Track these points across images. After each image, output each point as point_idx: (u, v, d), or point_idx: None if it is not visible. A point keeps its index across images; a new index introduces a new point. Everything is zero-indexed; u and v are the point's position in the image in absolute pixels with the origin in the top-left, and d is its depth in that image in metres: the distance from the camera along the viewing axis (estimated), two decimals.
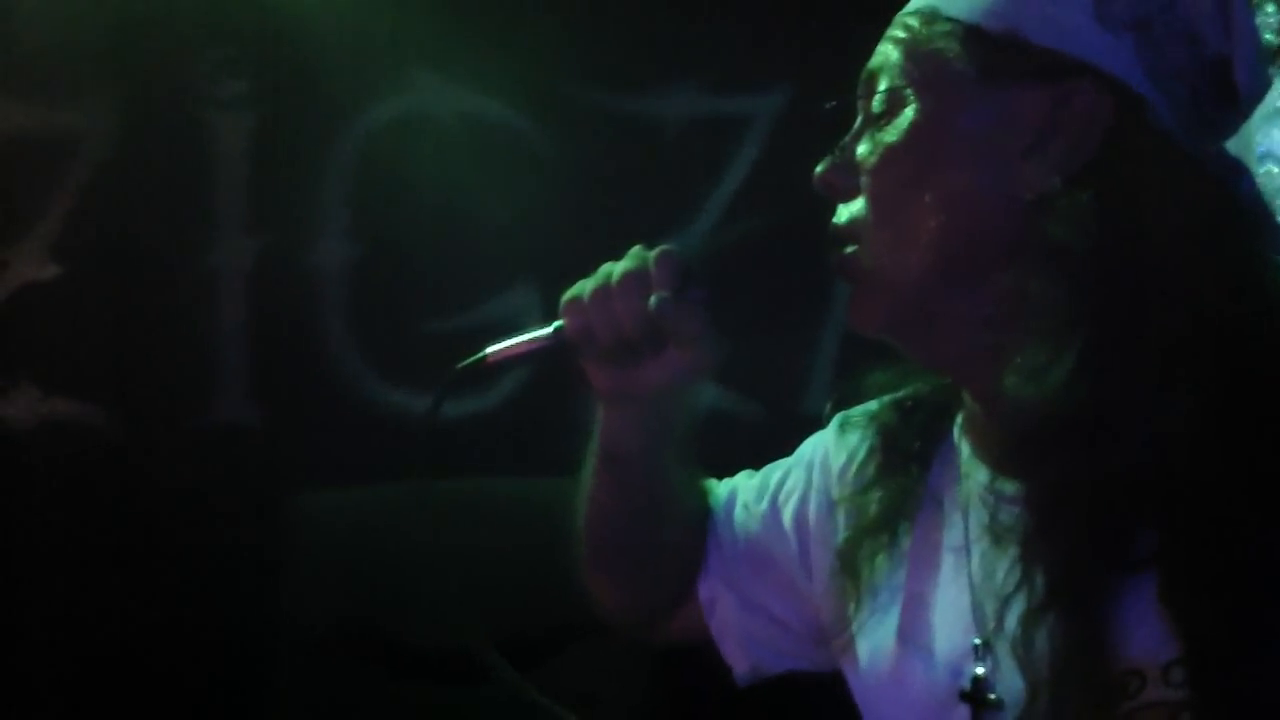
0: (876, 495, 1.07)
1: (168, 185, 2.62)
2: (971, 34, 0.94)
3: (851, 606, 1.06)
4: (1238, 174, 0.95)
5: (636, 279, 1.01)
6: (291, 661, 2.33)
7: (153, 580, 2.60)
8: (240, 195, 2.64)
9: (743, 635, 1.22)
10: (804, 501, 1.18)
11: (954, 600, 1.00)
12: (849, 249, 0.97)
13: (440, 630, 2.34)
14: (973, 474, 1.02)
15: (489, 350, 1.07)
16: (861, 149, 0.98)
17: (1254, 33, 0.93)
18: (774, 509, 1.20)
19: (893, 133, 0.96)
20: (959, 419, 1.07)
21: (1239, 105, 0.95)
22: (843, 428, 1.17)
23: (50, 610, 2.59)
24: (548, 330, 1.05)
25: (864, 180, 0.96)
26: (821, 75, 2.54)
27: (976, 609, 0.98)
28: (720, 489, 1.26)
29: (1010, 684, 0.94)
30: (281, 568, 2.38)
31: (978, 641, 0.97)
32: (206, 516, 2.60)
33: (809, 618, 1.17)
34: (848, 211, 0.98)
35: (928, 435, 1.08)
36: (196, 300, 2.64)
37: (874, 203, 0.96)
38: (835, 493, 1.14)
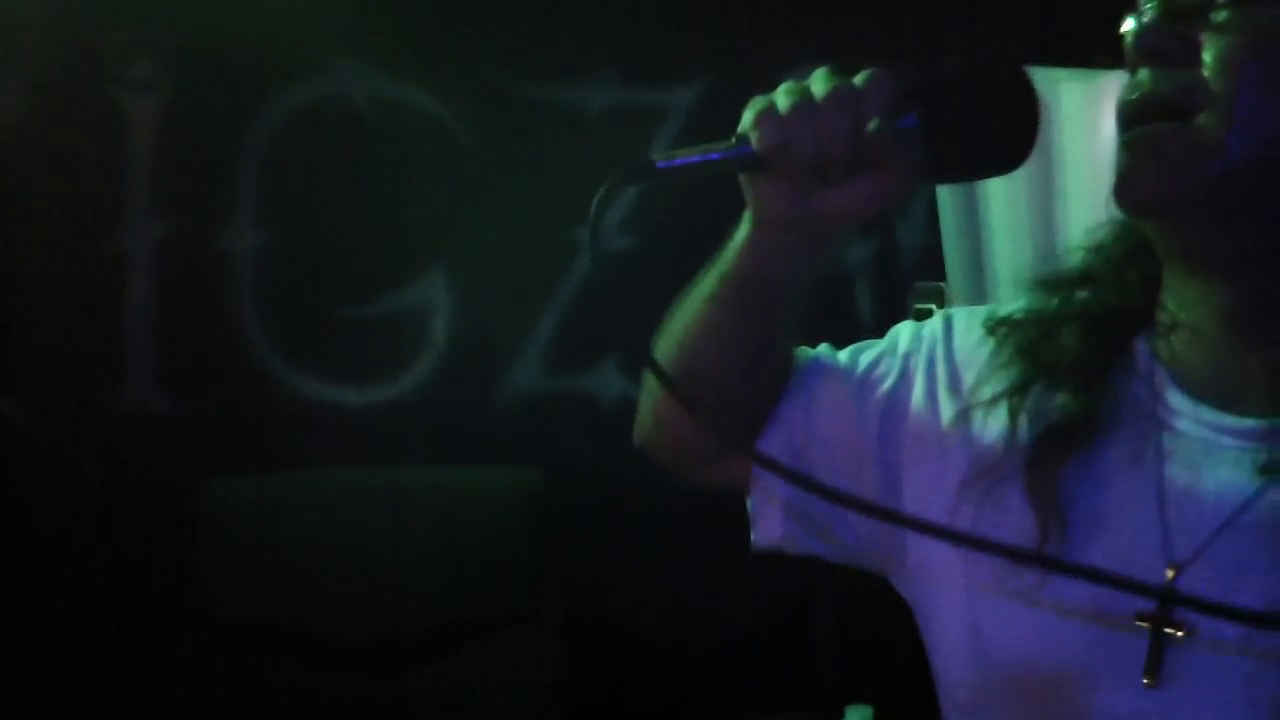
0: (1062, 402, 1.00)
1: (75, 165, 2.57)
2: None
3: (1029, 519, 0.99)
4: None
5: (848, 97, 0.91)
6: (201, 651, 2.30)
7: (58, 567, 2.56)
8: (149, 177, 2.60)
9: (787, 504, 1.13)
10: (899, 391, 1.10)
11: (1135, 521, 0.96)
12: (1169, 122, 0.92)
13: (352, 618, 2.33)
14: (1170, 397, 0.99)
15: (659, 159, 0.94)
16: (1222, 25, 0.92)
17: None
18: (861, 390, 1.11)
19: (1257, 22, 0.91)
20: (1149, 343, 1.02)
21: None
22: (965, 330, 1.10)
23: None
24: (729, 142, 0.94)
25: (1227, 53, 0.91)
26: (739, 67, 2.60)
27: (1168, 533, 0.94)
28: (808, 350, 1.17)
29: (1197, 617, 0.91)
30: (190, 555, 2.35)
31: (1169, 569, 0.93)
32: (113, 502, 2.56)
33: (872, 475, 1.09)
34: (1175, 82, 0.93)
35: (1109, 346, 1.02)
36: (103, 282, 2.59)
37: (1243, 81, 0.90)
38: (971, 397, 1.06)
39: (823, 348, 1.17)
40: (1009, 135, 0.95)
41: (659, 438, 1.16)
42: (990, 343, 1.07)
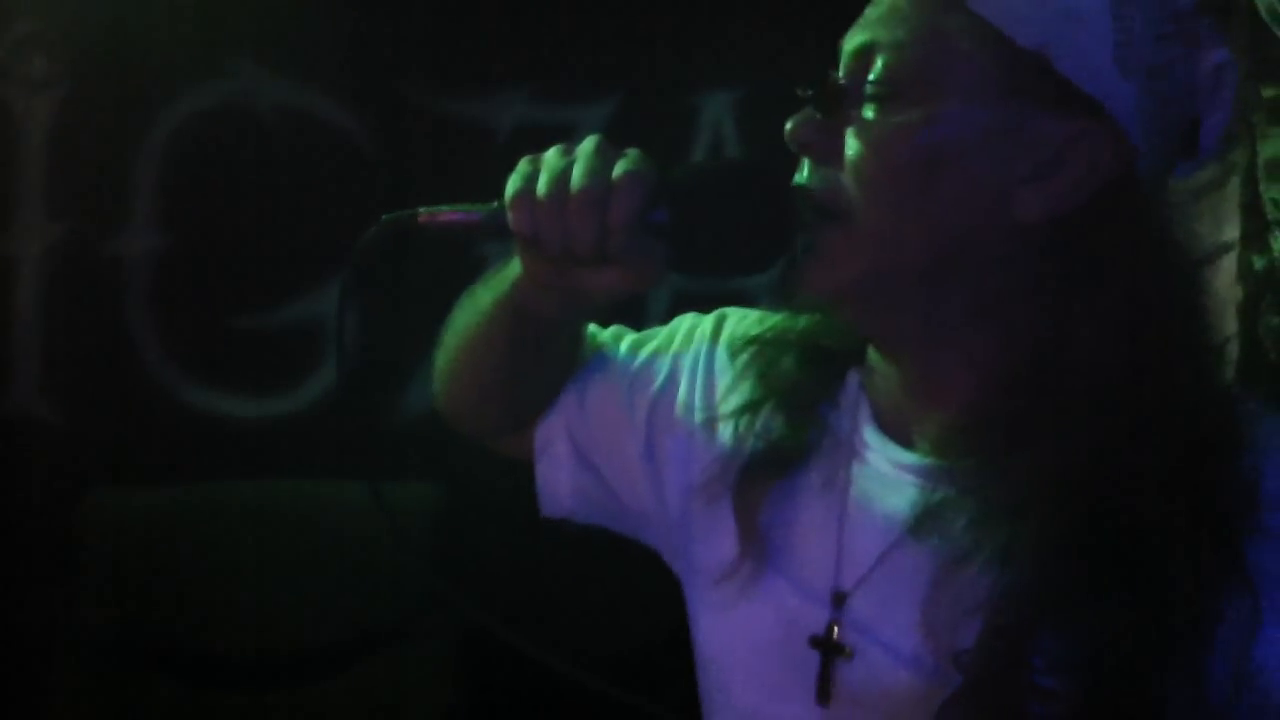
0: (777, 429, 1.07)
1: None
2: (999, 41, 0.92)
3: (734, 535, 1.07)
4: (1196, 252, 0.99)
5: (597, 197, 0.94)
6: (79, 667, 2.26)
7: None
8: (40, 179, 2.55)
9: (568, 484, 1.21)
10: (665, 394, 1.16)
11: (817, 546, 1.03)
12: (827, 222, 0.96)
13: (238, 636, 2.30)
14: (865, 430, 1.05)
15: (422, 210, 0.99)
16: (858, 125, 0.95)
17: (1233, 104, 0.96)
18: (632, 390, 1.18)
19: (900, 118, 0.93)
20: (860, 375, 1.08)
21: (1196, 161, 0.98)
22: (728, 340, 1.16)
23: None
24: (490, 209, 0.98)
25: (857, 158, 0.94)
26: (647, 86, 2.60)
27: (839, 561, 1.01)
28: (596, 338, 1.24)
29: (864, 636, 0.98)
30: (71, 569, 2.31)
31: (835, 593, 1.00)
32: None
33: (640, 497, 1.17)
34: (823, 179, 0.97)
35: (826, 377, 1.08)
36: None
37: (869, 185, 0.94)
38: (718, 407, 1.13)
39: (609, 333, 1.23)
40: (752, 242, 0.96)
41: (452, 412, 1.25)
42: (754, 365, 1.13)
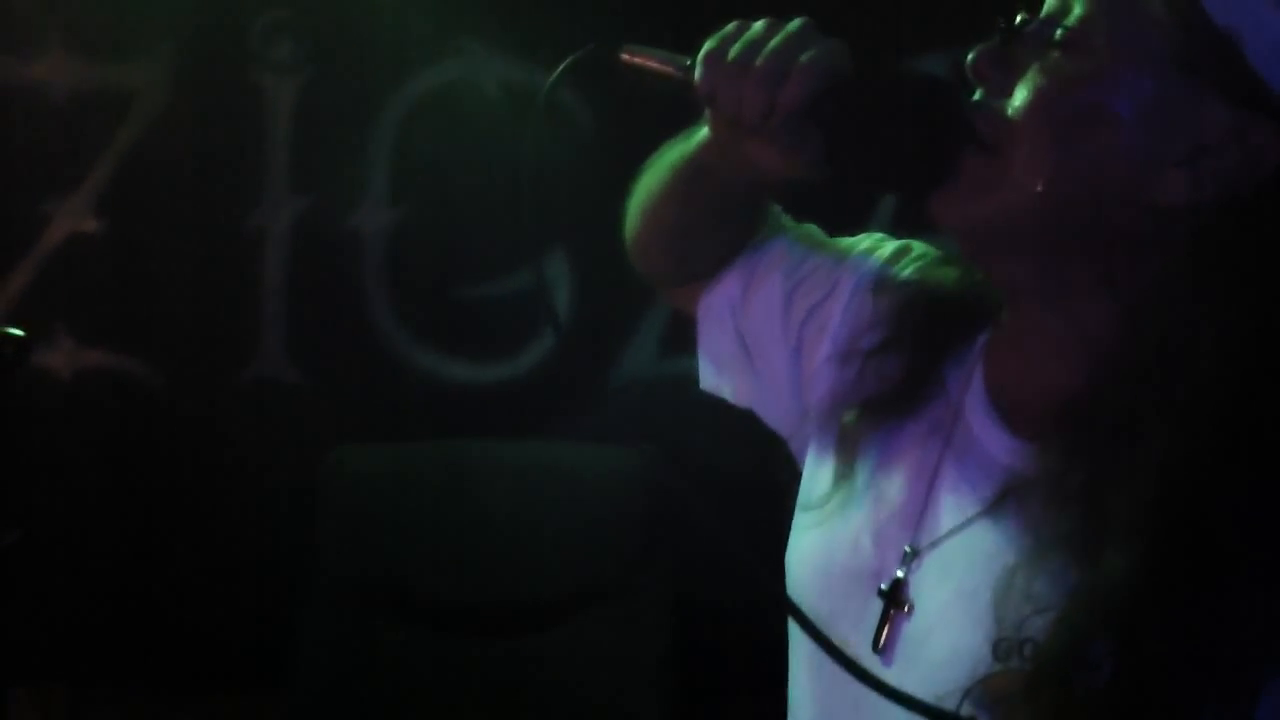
0: (897, 376, 1.07)
1: (216, 144, 2.66)
2: (1195, 12, 0.89)
3: (834, 473, 1.08)
4: None
5: (774, 77, 0.94)
6: (324, 613, 2.39)
7: (189, 532, 2.66)
8: (286, 156, 2.67)
9: (720, 362, 1.23)
10: (821, 309, 1.16)
11: (907, 501, 1.03)
12: (978, 151, 0.94)
13: (469, 585, 2.40)
14: (973, 401, 1.03)
15: (626, 45, 1.02)
16: (1038, 66, 0.93)
17: None
18: (793, 294, 1.18)
19: (1077, 68, 0.91)
20: (987, 338, 1.07)
21: None
22: (884, 276, 1.14)
23: (86, 559, 2.65)
24: (683, 64, 0.99)
25: (1025, 96, 0.92)
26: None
27: (921, 517, 1.02)
28: (784, 223, 1.23)
29: (925, 596, 0.99)
30: (316, 521, 2.43)
31: (908, 549, 1.01)
32: (243, 470, 2.65)
33: (782, 395, 1.18)
34: (987, 109, 0.95)
35: (956, 333, 1.08)
36: (240, 258, 2.68)
37: (1026, 125, 0.92)
38: (858, 340, 1.12)
39: (800, 228, 1.22)
40: (903, 159, 0.95)
41: (635, 254, 1.27)
42: (895, 309, 1.12)
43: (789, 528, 1.15)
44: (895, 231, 1.23)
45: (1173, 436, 0.87)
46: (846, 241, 1.21)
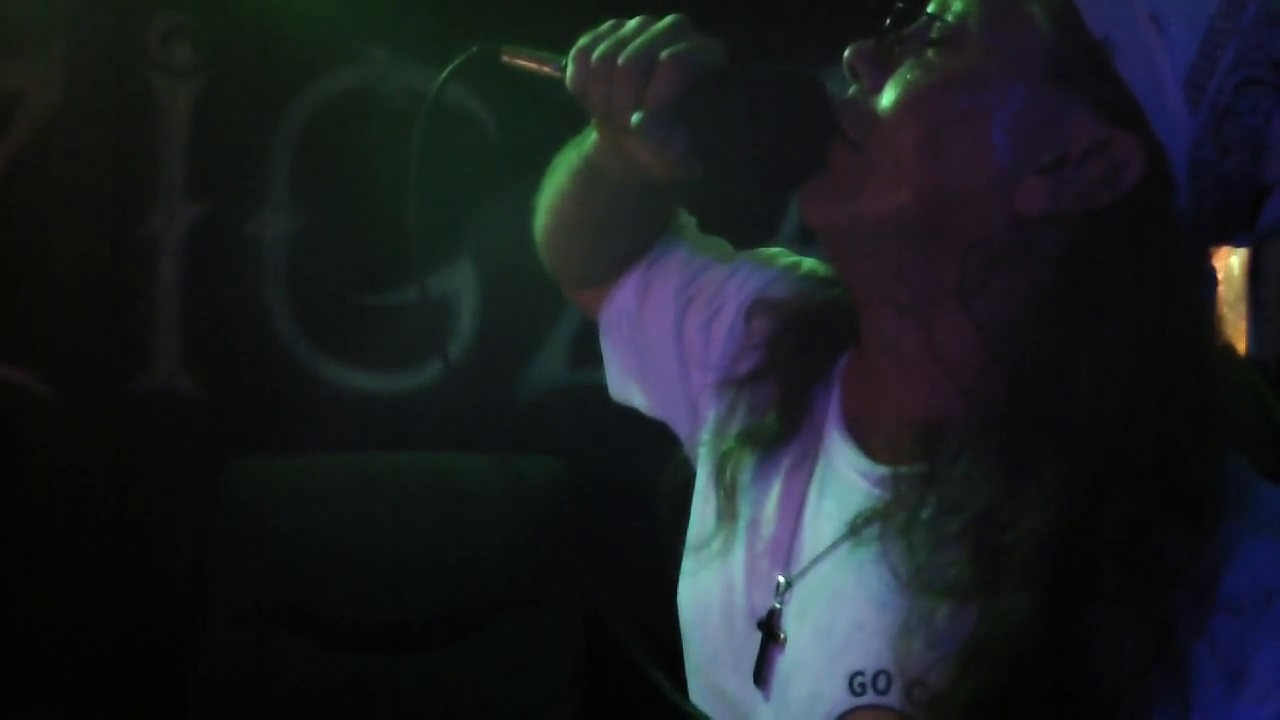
0: (767, 404, 1.05)
1: (110, 149, 2.61)
2: (1071, 20, 0.87)
3: (716, 511, 1.06)
4: (1211, 289, 0.93)
5: (639, 73, 0.94)
6: (224, 630, 2.34)
7: (82, 546, 2.60)
8: (183, 162, 2.63)
9: (621, 374, 1.22)
10: (710, 328, 1.14)
11: (778, 533, 1.01)
12: (845, 148, 0.93)
13: (367, 601, 2.37)
14: (832, 424, 1.02)
15: (506, 47, 1.02)
16: (911, 63, 0.91)
17: None
18: (689, 306, 1.16)
19: (949, 67, 0.90)
20: (847, 357, 1.05)
21: (1251, 233, 0.92)
22: (754, 306, 1.12)
23: None
24: (559, 63, 1.00)
25: (894, 92, 0.91)
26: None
27: (791, 548, 1.00)
28: (687, 233, 1.22)
29: (793, 629, 0.97)
30: (213, 535, 2.39)
31: (781, 579, 0.99)
32: (138, 482, 2.60)
33: (677, 414, 1.17)
34: (856, 103, 0.93)
35: (824, 355, 1.05)
36: (134, 265, 2.63)
37: (892, 121, 0.90)
38: (731, 367, 1.10)
39: (702, 239, 1.21)
40: (769, 153, 0.93)
41: (545, 258, 1.26)
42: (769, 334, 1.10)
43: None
44: (802, 243, 1.22)
45: (1025, 470, 0.85)
46: (749, 255, 1.19)
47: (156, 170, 2.63)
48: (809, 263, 1.15)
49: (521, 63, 1.03)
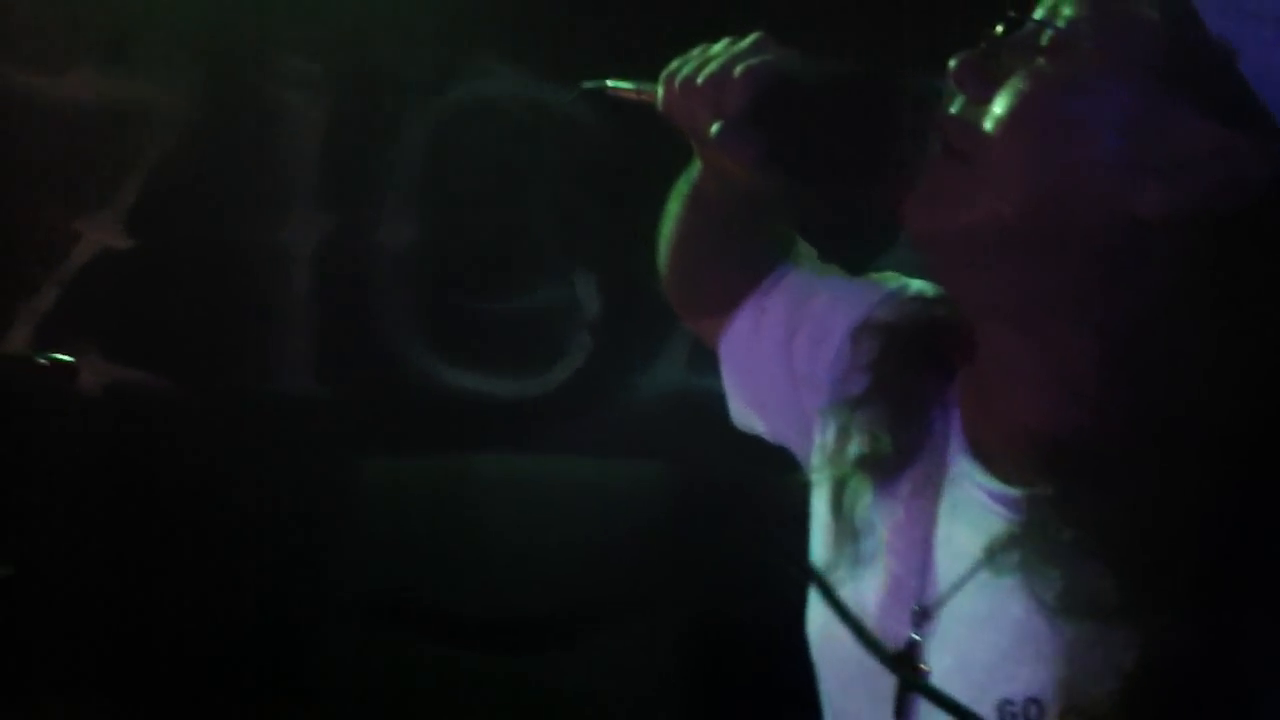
0: (882, 429, 1.03)
1: (243, 161, 2.69)
2: (1190, 20, 0.85)
3: (836, 537, 1.04)
4: None
5: (716, 85, 0.96)
6: (343, 627, 2.41)
7: (210, 544, 2.67)
8: (312, 173, 2.70)
9: (743, 403, 1.22)
10: (819, 353, 1.13)
11: (909, 560, 0.99)
12: (952, 160, 0.91)
13: (484, 600, 2.40)
14: (955, 446, 0.99)
15: (609, 82, 1.08)
16: (1022, 71, 0.89)
17: None
18: (796, 333, 1.16)
19: (1061, 73, 0.87)
20: (962, 375, 1.02)
21: None
22: (862, 328, 1.10)
23: (110, 572, 2.66)
24: (653, 89, 1.04)
25: (1004, 101, 0.89)
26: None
27: (924, 575, 0.97)
28: (800, 261, 1.21)
29: (935, 658, 0.94)
30: (338, 534, 2.44)
31: (916, 607, 0.97)
32: (267, 481, 2.67)
33: (797, 439, 1.16)
34: (963, 114, 0.91)
35: (938, 374, 1.03)
36: (265, 273, 2.71)
37: (1003, 130, 0.88)
38: (845, 391, 1.08)
39: (817, 266, 1.20)
40: (843, 161, 0.93)
41: (665, 283, 1.27)
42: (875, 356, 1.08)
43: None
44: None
45: (1151, 487, 0.83)
46: (859, 280, 1.18)
47: (287, 181, 2.70)
48: (918, 284, 1.12)
49: (623, 93, 1.07)
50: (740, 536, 2.55)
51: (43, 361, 1.57)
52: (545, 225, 2.70)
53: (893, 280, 1.15)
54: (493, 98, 2.71)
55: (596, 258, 2.71)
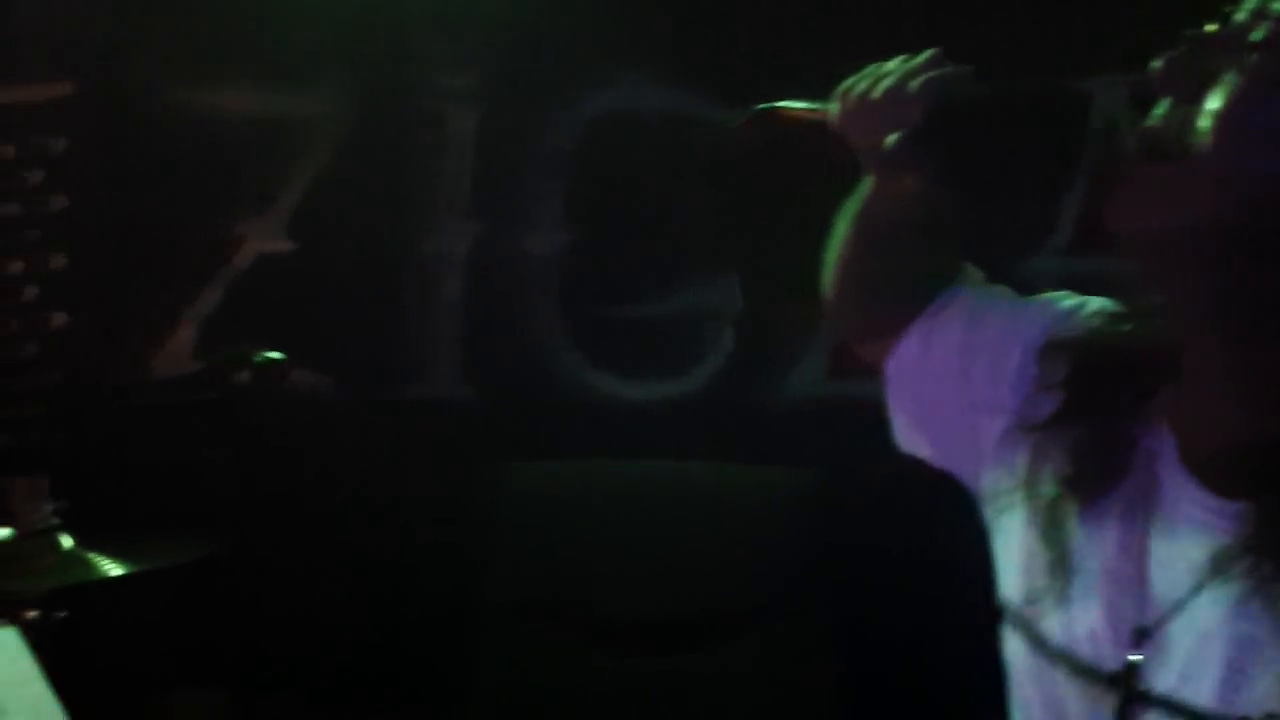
0: (1089, 452, 1.00)
1: (396, 170, 2.77)
2: None
3: (1046, 565, 1.02)
4: None
5: (892, 100, 0.98)
6: (494, 629, 2.44)
7: (362, 545, 2.75)
8: (463, 183, 2.76)
9: (907, 428, 1.20)
10: (994, 374, 1.11)
11: (1123, 581, 0.97)
12: (1159, 162, 0.89)
13: (629, 602, 2.42)
14: (1166, 460, 0.97)
15: (780, 104, 1.11)
16: (1234, 70, 0.87)
17: None
18: (970, 354, 1.14)
19: (1276, 73, 0.86)
20: (1168, 390, 1.00)
21: None
22: (1048, 346, 1.07)
23: (264, 572, 2.75)
24: (826, 109, 1.08)
25: (1218, 100, 0.87)
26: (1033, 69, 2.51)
27: (1141, 596, 0.95)
28: (968, 277, 1.20)
29: (1159, 679, 0.93)
30: (487, 536, 2.49)
31: (1137, 628, 0.95)
32: (418, 482, 2.73)
33: (967, 465, 1.14)
34: (1170, 115, 0.89)
35: (1133, 392, 1.01)
36: (417, 279, 2.78)
37: (1218, 129, 0.86)
38: (1033, 411, 1.06)
39: (983, 286, 1.19)
40: (1010, 173, 0.93)
41: (831, 308, 1.27)
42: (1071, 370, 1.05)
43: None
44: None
45: None
46: (1032, 299, 1.16)
47: (438, 190, 2.77)
48: (1096, 302, 1.11)
49: (792, 115, 1.10)
50: (895, 547, 2.54)
51: (256, 361, 1.62)
52: (688, 231, 2.72)
53: (1066, 299, 1.13)
54: (631, 106, 2.73)
55: (739, 262, 2.72)
